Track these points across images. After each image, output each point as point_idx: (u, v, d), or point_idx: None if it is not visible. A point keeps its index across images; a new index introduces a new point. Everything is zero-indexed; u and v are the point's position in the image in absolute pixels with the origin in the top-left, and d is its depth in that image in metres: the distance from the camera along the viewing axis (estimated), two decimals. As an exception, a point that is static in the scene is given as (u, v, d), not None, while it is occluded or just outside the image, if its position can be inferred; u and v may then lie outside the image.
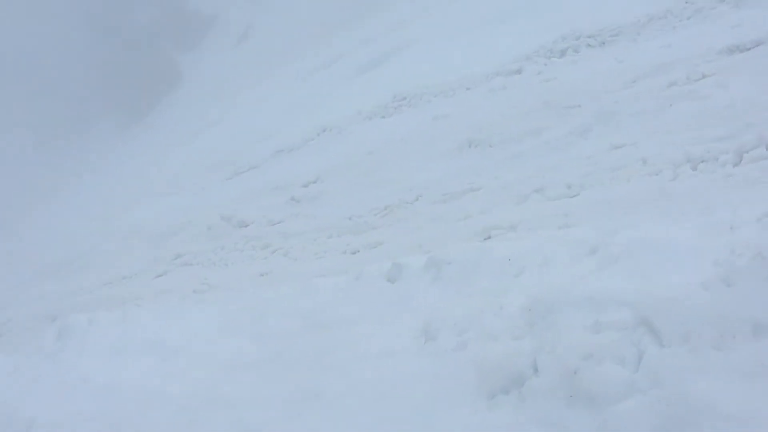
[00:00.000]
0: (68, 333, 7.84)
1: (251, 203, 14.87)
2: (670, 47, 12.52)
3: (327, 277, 8.17)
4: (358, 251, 10.80)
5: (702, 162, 8.62)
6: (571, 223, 8.31)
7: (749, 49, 11.01)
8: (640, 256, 5.32)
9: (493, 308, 5.54)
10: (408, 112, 15.96)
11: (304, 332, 6.68)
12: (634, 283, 5.01)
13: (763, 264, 4.61)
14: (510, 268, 6.11)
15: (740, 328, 4.32)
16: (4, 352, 9.12)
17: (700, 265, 4.89)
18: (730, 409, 4.00)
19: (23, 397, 6.84)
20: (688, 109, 10.02)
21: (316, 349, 6.31)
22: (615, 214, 8.16)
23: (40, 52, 44.49)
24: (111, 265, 15.42)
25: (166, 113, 37.66)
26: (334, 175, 14.19)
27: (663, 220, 6.45)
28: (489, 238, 9.10)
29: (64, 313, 11.18)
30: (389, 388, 5.38)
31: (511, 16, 18.61)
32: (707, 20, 13.17)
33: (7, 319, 14.72)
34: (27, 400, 6.78)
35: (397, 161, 13.33)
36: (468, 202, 10.66)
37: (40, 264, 18.91)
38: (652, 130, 9.93)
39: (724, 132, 8.92)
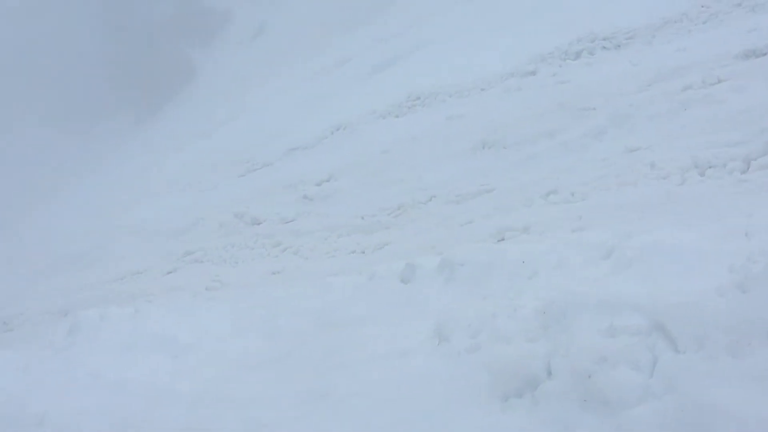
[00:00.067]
0: (79, 328, 7.84)
1: (264, 201, 14.85)
2: (685, 51, 12.46)
3: (339, 276, 8.16)
4: (370, 251, 10.79)
5: (710, 168, 8.60)
6: (584, 226, 8.29)
7: (765, 54, 10.95)
8: (654, 261, 5.31)
9: (507, 310, 5.53)
10: (422, 112, 15.91)
11: (315, 331, 6.68)
12: (648, 288, 5.00)
13: (780, 271, 4.59)
14: (523, 271, 6.10)
15: (756, 335, 4.30)
16: (15, 347, 9.13)
17: (715, 271, 4.88)
18: (744, 415, 3.98)
19: (34, 392, 6.85)
20: (703, 114, 9.98)
21: (327, 349, 6.30)
22: (629, 218, 8.13)
23: (53, 47, 44.52)
24: (121, 262, 15.43)
25: (179, 109, 37.65)
26: (347, 174, 14.16)
27: (677, 225, 6.43)
28: (502, 239, 9.08)
29: (75, 308, 11.20)
30: (401, 389, 5.37)
31: (526, 17, 18.55)
32: (723, 24, 13.11)
33: (19, 314, 14.75)
34: (38, 395, 6.79)
35: (410, 161, 13.29)
36: (481, 203, 10.63)
37: (50, 259, 18.91)
38: (667, 133, 9.89)
39: (739, 137, 8.88)
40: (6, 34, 45.09)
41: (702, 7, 13.94)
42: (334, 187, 13.86)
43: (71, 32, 45.77)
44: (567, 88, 13.25)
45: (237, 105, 29.12)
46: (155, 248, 15.29)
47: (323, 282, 7.75)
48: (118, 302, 10.44)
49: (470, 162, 12.09)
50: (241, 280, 11.65)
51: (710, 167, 8.61)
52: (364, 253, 10.86)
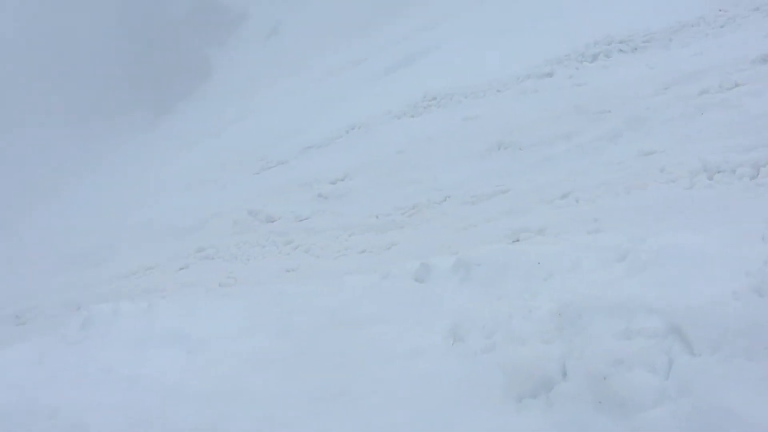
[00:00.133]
0: (92, 322, 7.83)
1: (279, 199, 14.86)
2: (702, 55, 12.46)
3: (354, 275, 8.15)
4: (385, 250, 10.78)
5: (721, 172, 8.59)
6: (600, 228, 8.28)
7: (783, 58, 10.95)
8: (669, 264, 5.29)
9: (522, 311, 5.52)
10: (438, 113, 15.91)
11: (329, 330, 6.66)
12: (664, 291, 4.98)
13: (797, 276, 4.58)
14: (539, 272, 6.09)
15: (772, 339, 4.29)
16: (28, 339, 9.14)
17: (731, 275, 4.86)
18: (760, 419, 3.97)
19: (47, 385, 6.85)
20: (719, 118, 9.97)
21: (341, 347, 6.29)
22: (644, 221, 8.13)
23: (70, 44, 44.60)
24: (132, 258, 15.45)
25: (194, 107, 37.74)
26: (361, 173, 14.17)
27: (691, 229, 6.41)
28: (517, 240, 9.07)
29: (88, 302, 11.21)
30: (415, 388, 5.36)
31: (542, 19, 18.54)
32: (740, 29, 13.09)
33: (32, 307, 14.78)
34: (50, 388, 6.79)
35: (425, 161, 13.30)
36: (497, 204, 10.63)
37: (56, 258, 18.94)
38: (683, 137, 9.88)
39: (756, 141, 8.87)
40: (21, 32, 45.25)
41: (720, 11, 13.94)
42: (349, 186, 13.87)
43: (88, 30, 45.92)
44: (583, 90, 13.26)
45: (251, 103, 29.18)
46: (166, 245, 15.31)
47: (337, 280, 7.74)
48: (130, 297, 10.42)
49: (486, 163, 12.10)
50: (253, 277, 11.65)
51: (719, 172, 8.60)
52: (378, 252, 10.86)
